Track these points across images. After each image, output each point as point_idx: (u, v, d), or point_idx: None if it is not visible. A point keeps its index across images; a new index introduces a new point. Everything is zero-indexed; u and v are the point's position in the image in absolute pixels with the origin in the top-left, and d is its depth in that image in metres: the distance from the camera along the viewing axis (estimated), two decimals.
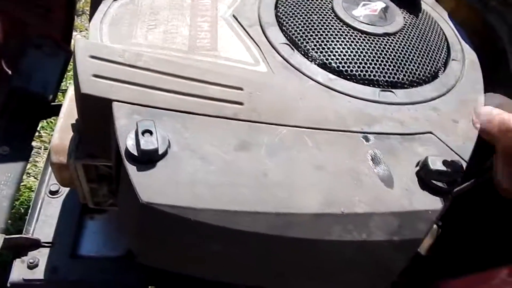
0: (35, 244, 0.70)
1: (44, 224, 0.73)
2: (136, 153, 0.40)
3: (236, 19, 0.55)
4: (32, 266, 0.68)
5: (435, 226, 0.58)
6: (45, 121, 1.35)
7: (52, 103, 0.86)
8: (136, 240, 0.44)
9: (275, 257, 0.43)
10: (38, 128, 1.35)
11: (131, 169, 0.40)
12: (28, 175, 1.25)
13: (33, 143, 1.27)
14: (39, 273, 0.68)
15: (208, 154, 0.42)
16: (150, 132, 0.41)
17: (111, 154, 0.47)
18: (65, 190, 0.77)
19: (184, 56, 0.50)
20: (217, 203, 0.39)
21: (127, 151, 0.40)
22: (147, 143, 0.40)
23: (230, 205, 0.39)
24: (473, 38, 0.63)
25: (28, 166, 1.28)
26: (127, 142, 0.40)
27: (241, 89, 0.47)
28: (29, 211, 0.75)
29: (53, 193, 0.76)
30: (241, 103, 0.46)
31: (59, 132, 0.58)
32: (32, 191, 1.17)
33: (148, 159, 0.40)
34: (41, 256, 0.70)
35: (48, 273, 0.68)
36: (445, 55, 0.57)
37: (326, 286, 0.49)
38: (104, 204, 0.63)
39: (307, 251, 0.42)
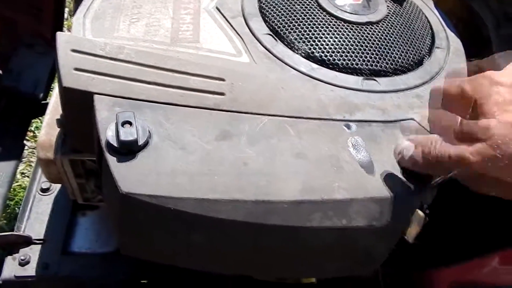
0: (27, 241, 0.70)
1: (35, 221, 0.73)
2: (116, 144, 0.40)
3: (219, 10, 0.55)
4: (23, 263, 0.68)
5: (422, 214, 0.58)
6: (39, 121, 1.35)
7: (43, 102, 0.87)
8: (119, 231, 0.44)
9: (257, 245, 0.43)
10: (32, 128, 1.36)
11: (111, 160, 0.40)
12: (23, 175, 1.25)
13: (28, 143, 1.28)
14: (30, 270, 0.68)
15: (188, 144, 0.42)
16: (130, 123, 0.41)
17: (95, 147, 0.47)
18: (56, 187, 0.77)
19: (166, 48, 0.50)
20: (197, 192, 0.39)
21: (107, 142, 0.40)
22: (127, 134, 0.40)
23: (210, 193, 0.39)
24: (459, 26, 0.63)
25: (23, 166, 1.29)
26: (107, 133, 0.41)
27: (222, 79, 0.47)
28: (20, 208, 0.75)
29: (44, 190, 0.77)
30: (222, 94, 0.46)
31: (45, 127, 0.58)
32: None
33: (128, 150, 0.40)
34: (33, 253, 0.70)
35: (39, 269, 0.68)
36: (430, 43, 0.57)
37: (311, 273, 0.49)
38: (93, 200, 0.63)
39: (288, 238, 0.42)
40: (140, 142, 0.40)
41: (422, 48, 0.55)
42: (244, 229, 0.41)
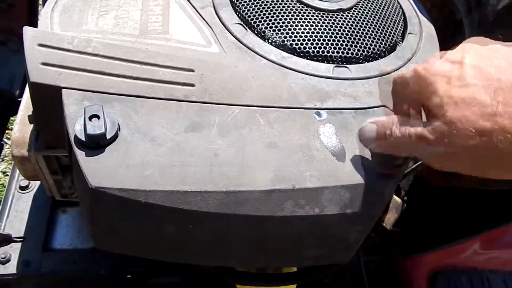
0: (7, 239, 0.70)
1: (15, 219, 0.73)
2: (83, 139, 0.40)
3: (189, 1, 0.55)
4: (4, 261, 0.68)
5: (400, 200, 0.59)
6: None
7: (19, 99, 0.85)
8: (91, 225, 0.44)
9: (230, 236, 0.43)
10: (11, 126, 1.34)
11: (79, 154, 0.39)
12: (4, 174, 1.24)
13: (9, 142, 1.26)
14: (11, 268, 0.68)
15: (158, 137, 0.42)
16: (98, 117, 0.40)
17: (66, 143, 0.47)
18: (35, 185, 0.76)
19: (135, 40, 0.49)
20: (167, 184, 0.39)
21: (75, 137, 0.40)
22: (94, 128, 0.39)
23: (180, 185, 0.39)
24: (433, 11, 0.64)
25: (5, 165, 1.28)
26: (76, 127, 0.40)
27: (192, 70, 0.47)
28: (0, 207, 0.75)
29: (23, 188, 0.76)
30: (192, 85, 0.46)
31: (19, 124, 0.58)
32: None
33: (96, 144, 0.40)
34: (13, 251, 0.69)
35: (20, 267, 0.68)
36: (402, 29, 0.57)
37: (287, 262, 0.50)
38: (71, 196, 0.63)
39: (262, 228, 0.42)
40: (109, 136, 0.40)
41: (394, 34, 0.55)
42: (216, 220, 0.41)
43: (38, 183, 0.76)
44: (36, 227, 0.71)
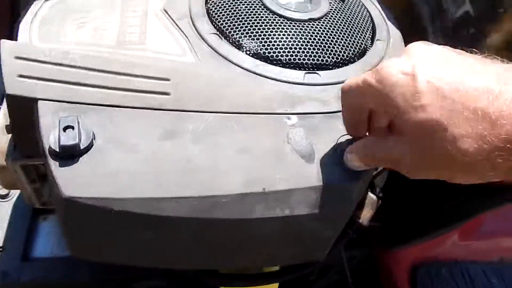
0: None
1: None
2: (57, 149, 0.41)
3: (166, 12, 0.56)
4: None
5: (375, 197, 0.60)
6: None
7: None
8: (67, 235, 0.44)
9: (206, 239, 0.44)
10: None
11: (53, 164, 0.40)
12: None
13: None
14: None
15: (133, 145, 0.43)
16: (72, 128, 0.42)
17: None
18: (15, 193, 0.77)
19: (112, 51, 0.50)
20: (141, 191, 0.40)
21: (49, 147, 0.41)
22: (68, 138, 0.41)
23: (153, 192, 0.40)
24: (402, 18, 0.66)
25: None
26: (50, 138, 0.41)
27: (167, 79, 0.48)
28: None
29: (3, 196, 0.76)
30: (167, 93, 0.47)
31: None
32: None
33: (70, 154, 0.41)
34: None
35: None
36: (371, 36, 0.59)
37: (264, 262, 0.51)
38: (50, 204, 0.64)
39: (236, 230, 0.44)
40: (83, 146, 0.41)
41: (363, 41, 0.57)
42: (190, 224, 0.42)
43: (18, 191, 0.76)
44: (15, 236, 0.71)
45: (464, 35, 0.59)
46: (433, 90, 0.33)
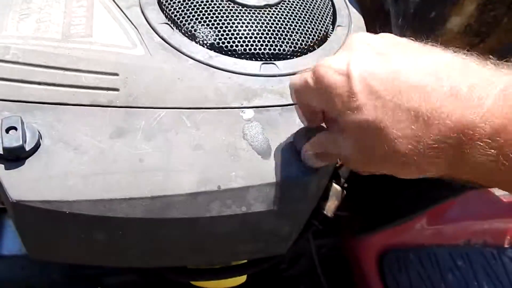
0: None
1: None
2: (1, 152, 0.39)
3: (114, 1, 0.53)
4: None
5: (339, 188, 0.60)
6: None
7: None
8: (21, 238, 0.43)
9: (162, 238, 0.44)
10: None
11: None
12: None
13: None
14: None
15: (82, 145, 0.41)
16: (16, 129, 0.40)
17: None
18: None
19: (57, 45, 0.48)
20: (91, 193, 0.39)
21: None
22: (11, 140, 0.39)
23: (104, 193, 0.39)
24: (367, 1, 0.65)
25: None
26: None
27: (116, 74, 0.46)
28: None
29: None
30: (116, 89, 0.45)
31: None
32: None
33: (15, 157, 0.39)
34: None
35: None
36: (330, 22, 0.58)
37: (225, 258, 0.51)
38: None
39: (193, 229, 0.43)
40: (28, 147, 0.39)
41: (323, 27, 0.56)
42: (144, 225, 0.41)
43: None
44: None
45: (426, 18, 0.59)
46: (366, 89, 0.33)
